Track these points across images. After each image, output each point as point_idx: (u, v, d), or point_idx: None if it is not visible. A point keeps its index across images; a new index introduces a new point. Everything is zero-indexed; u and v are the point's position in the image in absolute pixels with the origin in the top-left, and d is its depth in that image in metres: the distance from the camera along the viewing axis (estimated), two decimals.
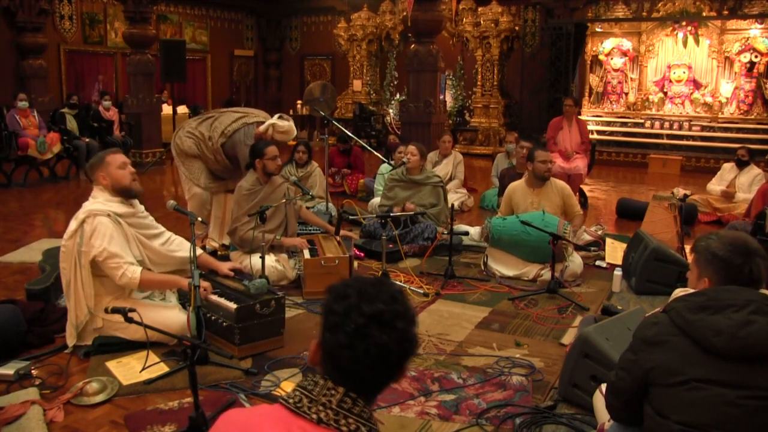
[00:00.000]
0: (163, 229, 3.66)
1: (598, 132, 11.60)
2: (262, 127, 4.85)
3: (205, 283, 3.43)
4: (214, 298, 3.46)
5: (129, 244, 3.35)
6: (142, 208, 3.57)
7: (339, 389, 1.25)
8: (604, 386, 2.42)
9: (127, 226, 3.38)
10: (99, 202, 3.35)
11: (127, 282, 3.24)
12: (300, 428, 1.22)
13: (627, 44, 11.78)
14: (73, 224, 3.30)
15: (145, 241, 3.47)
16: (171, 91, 11.62)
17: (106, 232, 3.24)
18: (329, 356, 1.27)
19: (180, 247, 3.65)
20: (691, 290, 2.08)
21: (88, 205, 3.36)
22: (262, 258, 4.09)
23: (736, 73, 10.99)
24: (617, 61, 11.90)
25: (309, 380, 1.28)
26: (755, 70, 10.78)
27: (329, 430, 1.21)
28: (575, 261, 4.81)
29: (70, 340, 3.38)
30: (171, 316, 3.38)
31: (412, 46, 8.71)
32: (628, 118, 11.82)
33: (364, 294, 1.25)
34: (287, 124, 4.89)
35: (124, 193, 3.40)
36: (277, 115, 4.99)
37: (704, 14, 11.04)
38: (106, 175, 3.37)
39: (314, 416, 1.22)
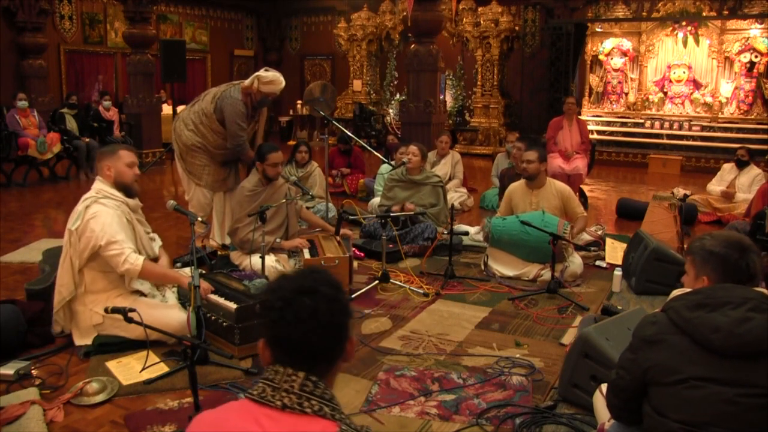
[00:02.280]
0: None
1: (598, 132, 11.60)
2: (247, 81, 4.80)
3: (204, 284, 3.44)
4: (214, 298, 3.46)
5: (130, 232, 3.37)
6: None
7: (299, 374, 1.30)
8: (604, 386, 2.42)
9: (135, 221, 3.44)
10: (105, 191, 3.38)
11: (128, 269, 3.24)
12: (266, 416, 1.27)
13: (627, 44, 11.78)
14: (79, 207, 3.33)
15: (144, 235, 3.52)
16: (170, 91, 11.59)
17: (106, 217, 3.26)
18: (274, 343, 1.34)
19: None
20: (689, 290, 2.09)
21: (92, 192, 3.39)
22: (262, 258, 4.09)
23: (736, 73, 10.99)
24: (617, 61, 11.90)
25: (270, 370, 1.33)
26: (755, 70, 10.77)
27: (294, 413, 1.26)
28: (575, 261, 4.81)
29: (61, 324, 3.44)
30: (171, 315, 3.39)
31: (412, 46, 8.71)
32: (628, 118, 11.82)
33: (289, 279, 1.37)
34: (272, 74, 4.78)
35: (124, 190, 3.44)
36: (263, 69, 4.93)
37: (704, 14, 11.04)
38: (112, 167, 3.41)
39: (278, 403, 1.27)
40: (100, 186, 3.42)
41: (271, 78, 4.76)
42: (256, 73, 4.80)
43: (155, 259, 3.58)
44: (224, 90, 4.92)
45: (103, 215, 3.27)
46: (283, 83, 4.89)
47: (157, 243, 3.73)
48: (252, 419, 1.27)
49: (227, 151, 5.00)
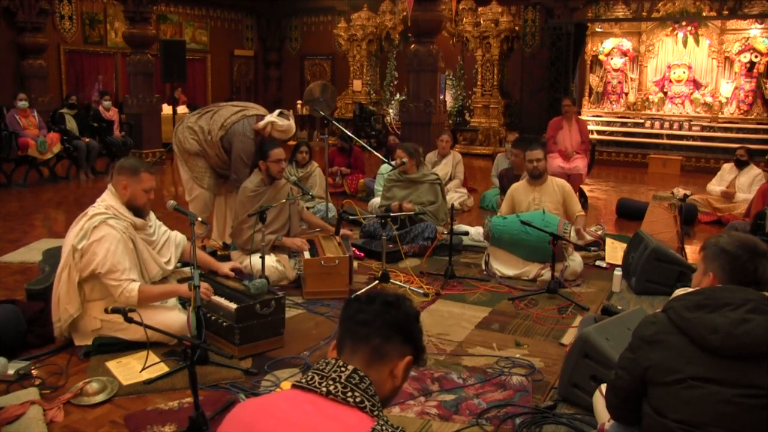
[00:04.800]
0: (164, 229, 3.68)
1: (598, 132, 11.60)
2: (261, 123, 4.83)
3: (206, 285, 3.43)
4: (215, 298, 3.45)
5: (134, 256, 3.34)
6: (151, 215, 3.59)
7: (348, 367, 1.36)
8: (604, 386, 2.42)
9: (140, 242, 3.40)
10: (115, 209, 3.35)
11: (125, 300, 3.21)
12: (309, 402, 1.32)
13: (627, 44, 11.78)
14: (85, 223, 3.29)
15: (148, 257, 3.46)
16: (171, 91, 11.55)
17: (112, 242, 3.23)
18: (341, 326, 1.48)
19: (177, 244, 3.69)
20: (692, 289, 2.09)
21: (101, 207, 3.34)
22: (262, 258, 4.09)
23: (736, 73, 10.99)
24: (617, 61, 11.90)
25: (321, 362, 1.40)
26: (755, 70, 10.78)
27: (336, 401, 1.30)
28: (575, 260, 4.82)
29: (57, 333, 3.40)
30: (171, 316, 3.38)
31: (412, 46, 8.71)
32: (628, 118, 11.82)
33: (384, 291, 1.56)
34: (286, 123, 4.86)
35: (133, 210, 3.41)
36: (277, 111, 4.95)
37: (704, 14, 11.04)
38: (129, 187, 3.38)
39: (323, 389, 1.32)
40: (110, 202, 3.37)
41: (285, 128, 4.86)
42: (271, 119, 4.83)
43: (163, 279, 3.56)
44: (236, 121, 4.89)
45: (108, 240, 3.22)
46: (294, 131, 5.04)
47: (176, 241, 3.68)
48: (295, 403, 1.32)
49: (223, 168, 5.10)
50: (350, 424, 1.27)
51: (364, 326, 1.42)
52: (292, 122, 4.94)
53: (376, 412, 1.31)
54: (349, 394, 1.31)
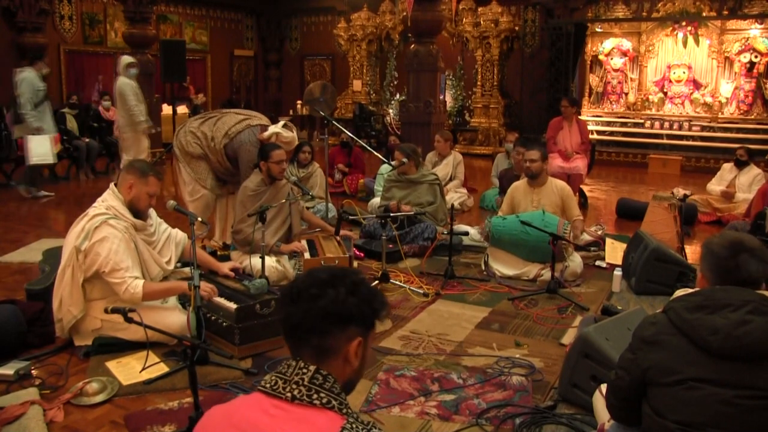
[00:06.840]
0: (164, 226, 3.68)
1: (598, 132, 11.60)
2: (266, 134, 4.89)
3: (210, 285, 3.43)
4: (215, 298, 3.46)
5: (135, 256, 3.34)
6: (152, 213, 3.60)
7: (310, 368, 1.33)
8: (604, 386, 2.42)
9: (141, 242, 3.41)
10: (116, 209, 3.35)
11: (129, 297, 3.21)
12: (275, 407, 1.30)
13: (627, 44, 11.78)
14: (86, 224, 3.29)
15: (148, 257, 3.47)
16: (170, 90, 11.55)
17: (113, 242, 3.23)
18: (282, 327, 1.40)
19: (177, 243, 3.70)
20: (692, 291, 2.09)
21: (102, 208, 3.35)
22: (262, 258, 4.09)
23: (736, 73, 10.99)
24: (617, 61, 11.90)
25: (283, 365, 1.37)
26: (755, 70, 10.78)
27: (303, 405, 1.29)
28: (575, 260, 4.82)
29: (59, 332, 3.41)
30: (171, 316, 3.39)
31: (412, 46, 8.71)
32: (628, 118, 11.83)
33: (314, 271, 1.43)
34: (291, 135, 4.96)
35: (133, 211, 3.42)
36: (281, 123, 5.04)
37: (704, 14, 11.04)
38: (135, 187, 3.38)
39: (288, 395, 1.30)
40: (111, 202, 3.37)
41: (290, 139, 4.95)
42: (276, 130, 4.90)
43: (165, 277, 3.57)
44: (241, 131, 4.95)
45: (110, 240, 3.23)
46: (296, 143, 5.21)
47: (176, 239, 3.69)
48: (261, 410, 1.30)
49: (224, 174, 5.17)
50: (320, 424, 1.26)
51: (297, 330, 1.35)
52: (295, 134, 5.06)
53: (344, 410, 1.30)
54: (315, 396, 1.29)
